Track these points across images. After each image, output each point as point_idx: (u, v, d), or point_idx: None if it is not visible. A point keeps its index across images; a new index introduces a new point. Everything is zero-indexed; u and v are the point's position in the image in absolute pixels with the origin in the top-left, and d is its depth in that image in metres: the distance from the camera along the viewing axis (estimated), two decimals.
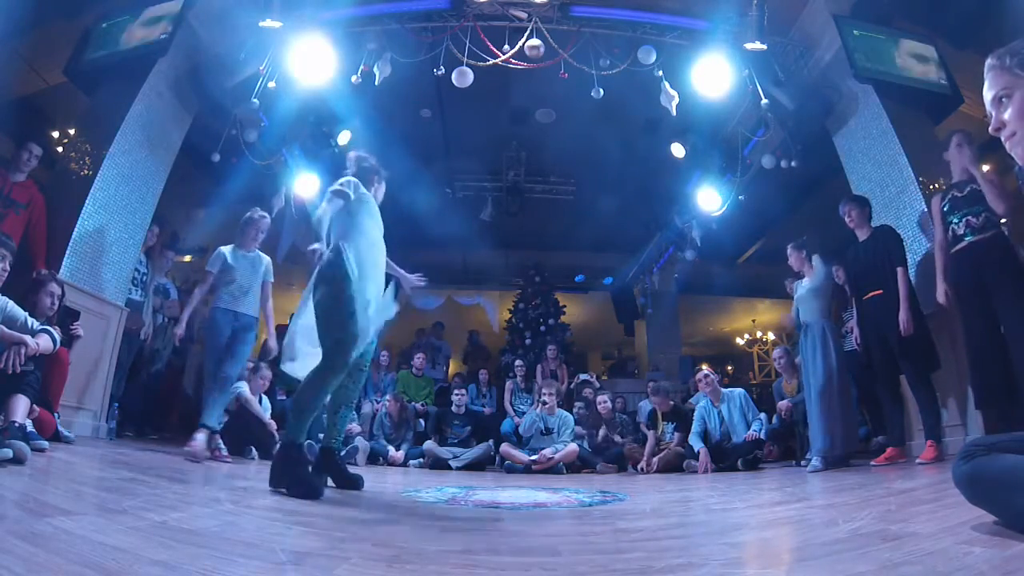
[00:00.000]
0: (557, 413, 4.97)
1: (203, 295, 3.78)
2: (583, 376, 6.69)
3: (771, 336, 12.16)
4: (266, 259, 3.90)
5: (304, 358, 2.36)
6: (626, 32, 4.70)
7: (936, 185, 4.07)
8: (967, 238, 3.10)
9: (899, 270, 3.50)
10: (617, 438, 5.23)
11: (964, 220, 3.12)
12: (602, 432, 5.29)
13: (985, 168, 3.17)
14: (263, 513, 1.65)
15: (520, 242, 9.02)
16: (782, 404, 4.62)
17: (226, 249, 3.77)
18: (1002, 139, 1.17)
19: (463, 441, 5.29)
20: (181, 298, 5.06)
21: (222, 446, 3.63)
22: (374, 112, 5.52)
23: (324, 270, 2.33)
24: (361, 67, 4.65)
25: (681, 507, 2.26)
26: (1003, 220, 3.08)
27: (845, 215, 3.83)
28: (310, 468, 2.34)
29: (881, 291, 3.58)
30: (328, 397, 2.36)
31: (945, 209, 3.26)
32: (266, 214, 3.91)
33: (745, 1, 4.43)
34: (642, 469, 4.50)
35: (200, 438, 3.31)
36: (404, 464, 5.00)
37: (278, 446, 2.27)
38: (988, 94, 1.18)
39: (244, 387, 4.39)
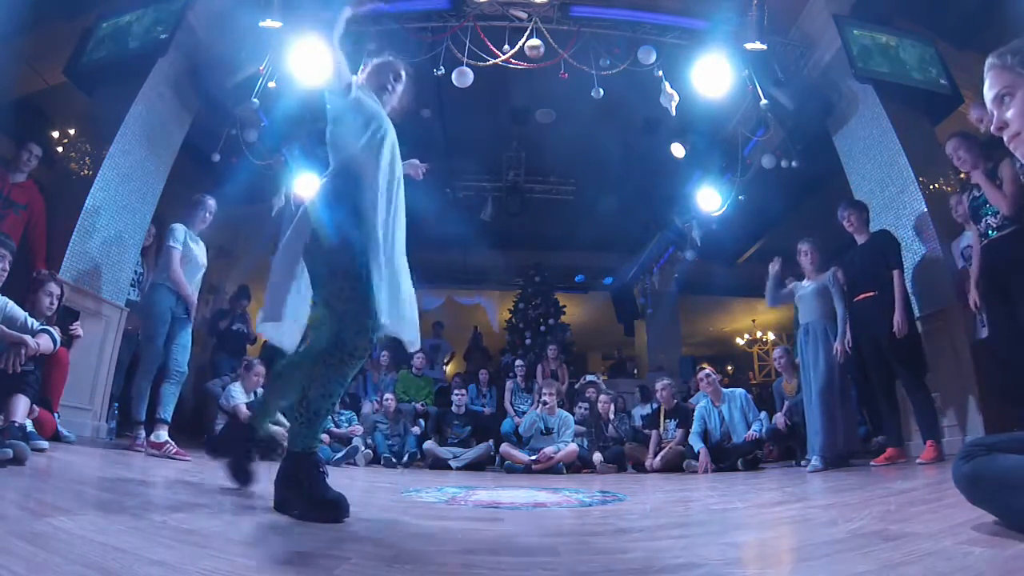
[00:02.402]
0: (557, 413, 4.96)
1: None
2: (589, 377, 6.67)
3: (771, 336, 12.16)
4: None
5: (291, 326, 1.84)
6: (626, 32, 4.71)
7: (936, 185, 4.07)
8: (990, 234, 3.09)
9: (895, 273, 3.51)
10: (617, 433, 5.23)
11: (984, 219, 3.11)
12: (604, 427, 5.28)
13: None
14: (263, 513, 1.65)
15: (520, 242, 9.01)
16: (779, 417, 4.55)
17: (183, 227, 3.66)
18: (1004, 139, 1.17)
19: (463, 441, 5.29)
20: None
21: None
22: None
23: (324, 212, 1.67)
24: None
25: (681, 507, 2.26)
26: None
27: (844, 220, 3.83)
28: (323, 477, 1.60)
29: (873, 293, 3.58)
30: (341, 393, 1.74)
31: (972, 209, 3.23)
32: (212, 197, 3.82)
33: (745, 1, 4.43)
34: (649, 467, 4.56)
35: (163, 435, 3.34)
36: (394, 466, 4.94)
37: (283, 458, 1.64)
38: (989, 93, 1.17)
39: (240, 398, 4.33)
